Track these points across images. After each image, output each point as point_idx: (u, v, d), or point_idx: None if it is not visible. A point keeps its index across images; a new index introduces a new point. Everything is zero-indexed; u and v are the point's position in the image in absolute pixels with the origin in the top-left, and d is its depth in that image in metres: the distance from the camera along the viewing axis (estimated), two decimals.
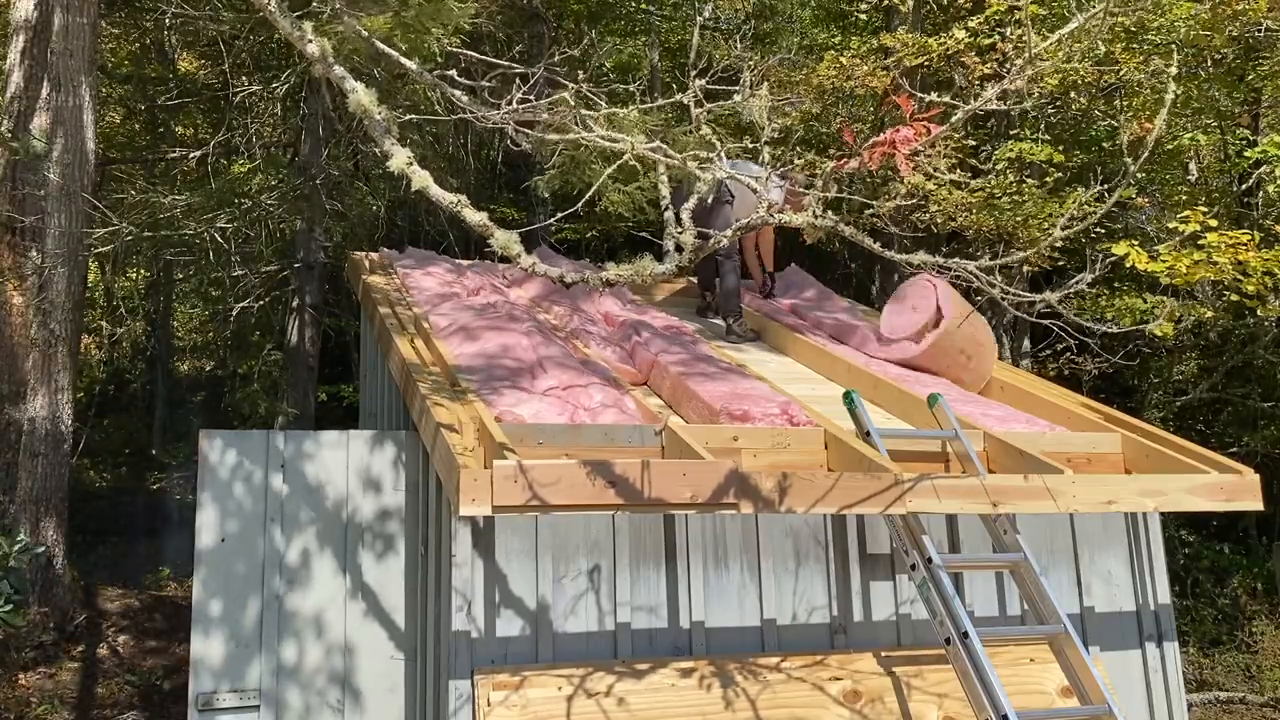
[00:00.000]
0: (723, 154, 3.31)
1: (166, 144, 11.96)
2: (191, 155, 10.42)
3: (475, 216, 3.07)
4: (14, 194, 7.50)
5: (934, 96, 3.15)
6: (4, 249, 7.46)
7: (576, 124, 3.24)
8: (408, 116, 3.45)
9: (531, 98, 3.36)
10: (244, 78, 10.43)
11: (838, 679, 3.96)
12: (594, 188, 3.69)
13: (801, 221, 2.97)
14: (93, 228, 7.90)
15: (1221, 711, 8.04)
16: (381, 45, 3.62)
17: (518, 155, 9.94)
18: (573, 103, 3.27)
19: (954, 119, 2.94)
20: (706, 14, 12.09)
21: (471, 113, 3.43)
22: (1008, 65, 7.54)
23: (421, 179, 3.08)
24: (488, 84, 3.76)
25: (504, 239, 3.04)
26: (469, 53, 4.20)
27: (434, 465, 3.94)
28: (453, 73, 3.52)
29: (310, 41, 3.27)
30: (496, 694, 3.61)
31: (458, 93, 3.44)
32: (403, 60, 3.59)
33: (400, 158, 3.11)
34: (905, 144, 3.32)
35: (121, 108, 12.26)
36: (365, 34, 3.65)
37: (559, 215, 4.08)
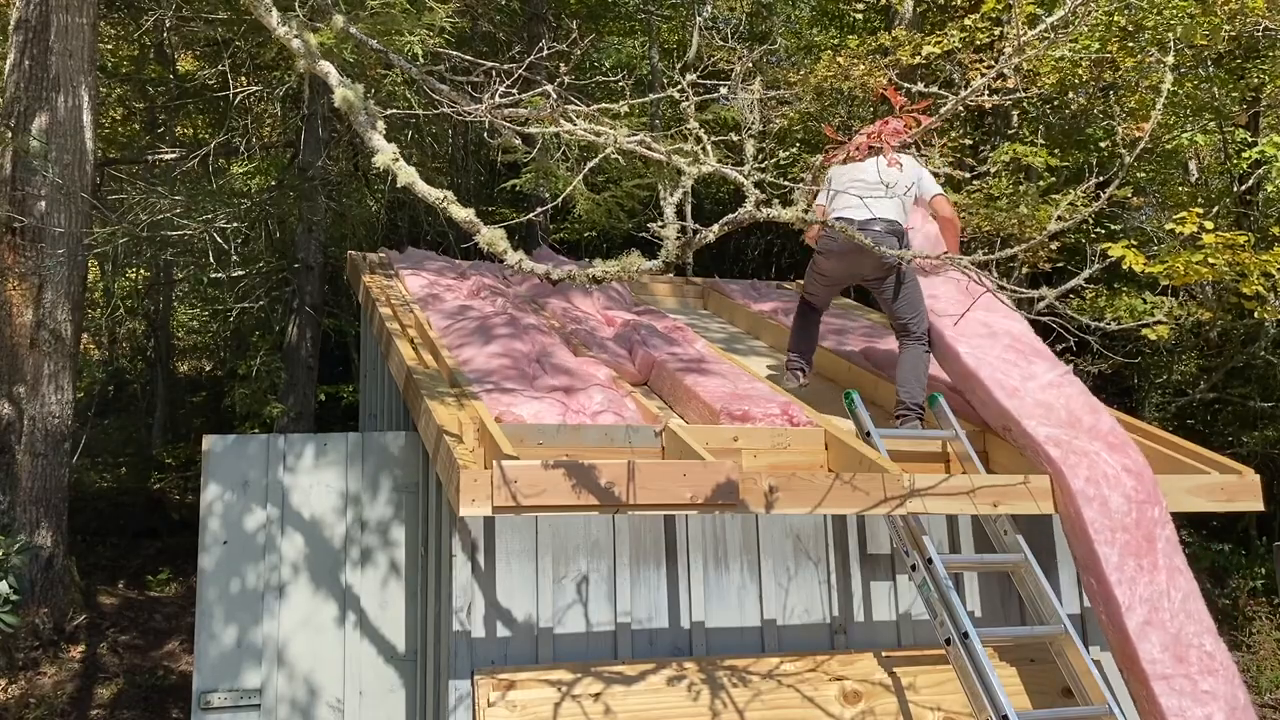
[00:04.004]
0: (708, 146, 3.19)
1: (166, 144, 11.96)
2: (192, 155, 10.42)
3: (461, 213, 3.03)
4: (14, 194, 7.51)
5: (922, 87, 3.12)
6: (4, 249, 7.46)
7: (560, 119, 3.19)
8: (389, 110, 3.41)
9: (514, 91, 3.31)
10: (244, 78, 10.43)
11: (838, 679, 3.96)
12: (564, 194, 3.65)
13: (790, 216, 2.92)
14: (93, 228, 7.90)
15: None
16: (372, 42, 3.60)
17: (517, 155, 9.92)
18: (554, 95, 3.22)
19: (944, 109, 2.92)
20: (707, 13, 12.09)
21: (453, 106, 3.40)
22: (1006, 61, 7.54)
23: (407, 174, 3.05)
24: (477, 79, 3.73)
25: (489, 235, 2.99)
26: (452, 52, 4.17)
27: (434, 466, 3.94)
28: (441, 67, 3.50)
29: (295, 37, 3.24)
30: (495, 694, 3.61)
31: (444, 88, 3.42)
32: (392, 56, 3.57)
33: (386, 153, 3.07)
34: (894, 135, 3.30)
35: (121, 108, 12.26)
36: (354, 31, 3.64)
37: (539, 211, 4.06)
